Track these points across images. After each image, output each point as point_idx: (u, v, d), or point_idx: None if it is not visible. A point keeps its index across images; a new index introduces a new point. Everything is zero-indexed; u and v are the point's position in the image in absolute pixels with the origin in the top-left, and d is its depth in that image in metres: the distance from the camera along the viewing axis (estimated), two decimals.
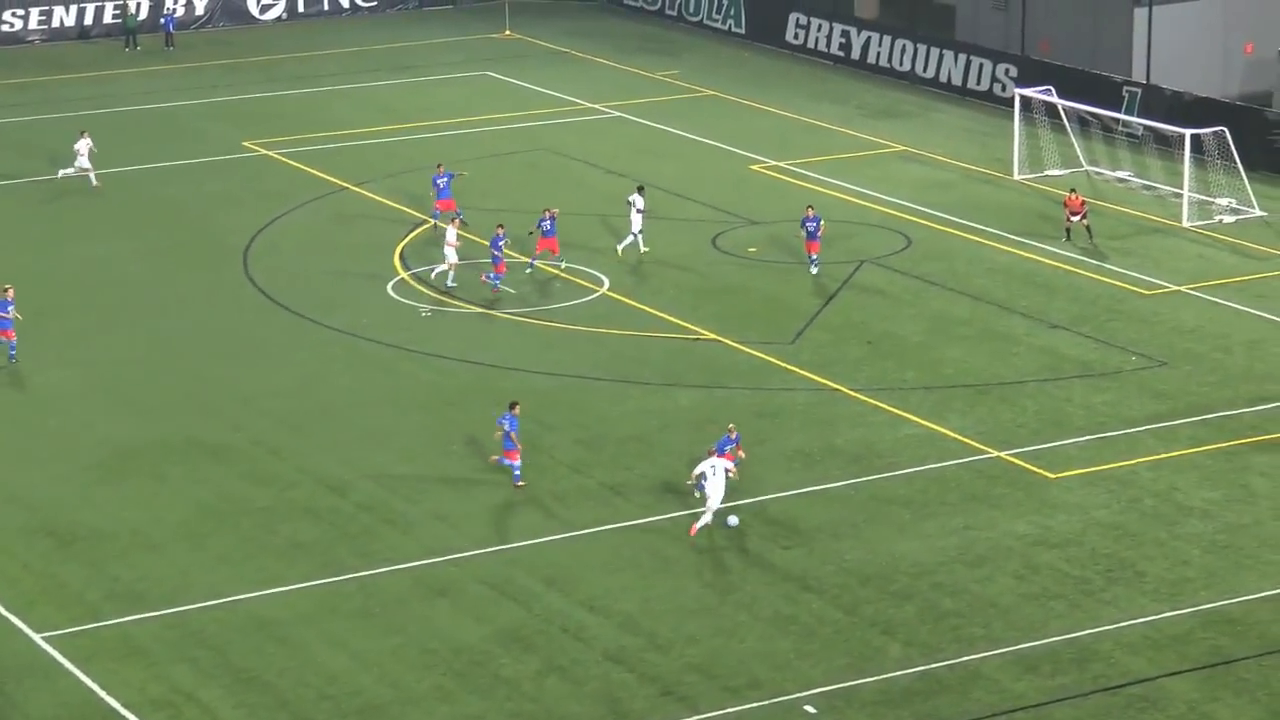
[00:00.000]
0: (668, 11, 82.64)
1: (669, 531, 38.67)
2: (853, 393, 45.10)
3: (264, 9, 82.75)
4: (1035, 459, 41.67)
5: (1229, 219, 56.98)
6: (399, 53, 77.53)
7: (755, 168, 62.70)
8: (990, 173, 61.68)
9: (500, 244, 50.94)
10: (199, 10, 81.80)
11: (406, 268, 53.44)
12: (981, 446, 42.22)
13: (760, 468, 41.26)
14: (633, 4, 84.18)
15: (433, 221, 56.22)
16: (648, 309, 50.43)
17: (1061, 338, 48.22)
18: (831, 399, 44.76)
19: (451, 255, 51.58)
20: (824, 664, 33.92)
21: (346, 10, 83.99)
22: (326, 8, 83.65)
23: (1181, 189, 57.55)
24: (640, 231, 53.87)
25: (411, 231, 56.45)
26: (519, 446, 40.31)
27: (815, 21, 76.63)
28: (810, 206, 53.32)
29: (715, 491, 38.15)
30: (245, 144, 65.31)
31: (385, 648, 34.60)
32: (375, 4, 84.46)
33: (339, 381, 46.00)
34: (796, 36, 77.27)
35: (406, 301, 50.98)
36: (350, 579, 36.92)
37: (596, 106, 69.65)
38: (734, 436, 39.67)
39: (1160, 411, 43.97)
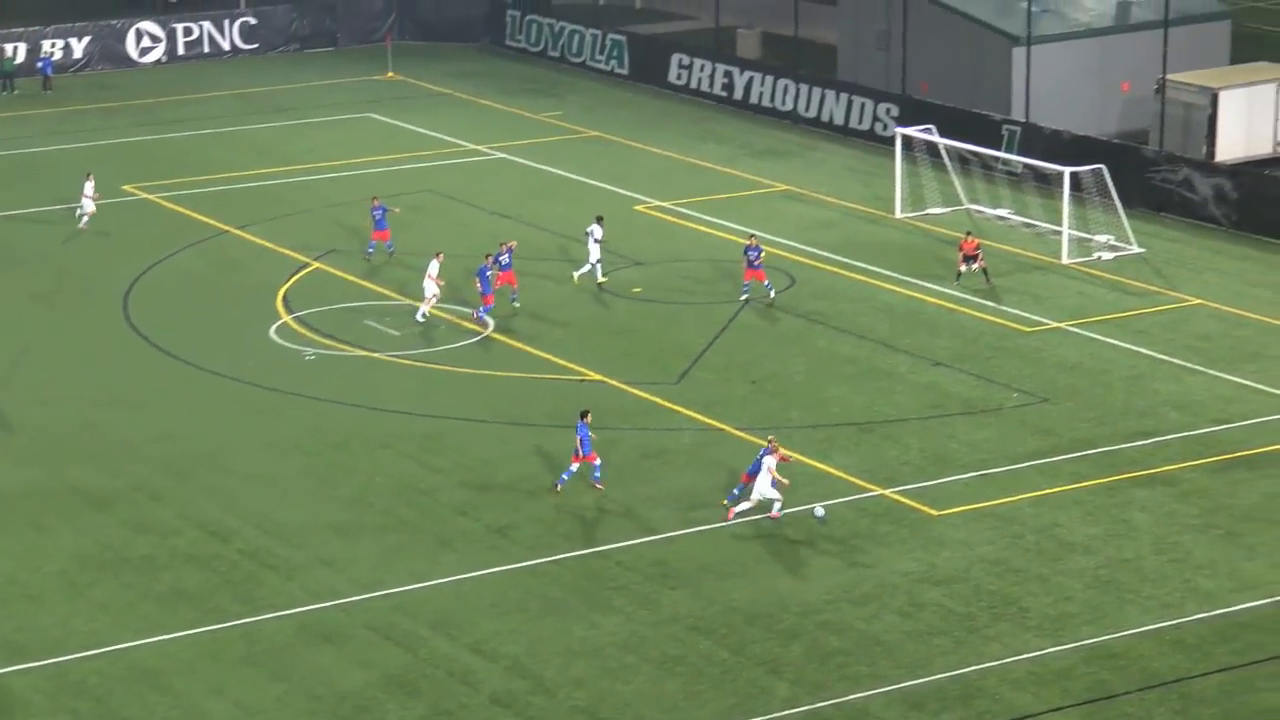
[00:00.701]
0: (550, 53, 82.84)
1: (555, 574, 38.61)
2: (738, 432, 45.24)
3: (143, 52, 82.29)
4: (920, 496, 41.92)
5: (1108, 256, 57.62)
6: (281, 95, 77.22)
7: (639, 208, 62.86)
8: (873, 211, 62.11)
9: (487, 274, 51.32)
10: (77, 54, 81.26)
11: (290, 311, 53.16)
12: (866, 485, 42.43)
13: (646, 508, 41.28)
14: (516, 45, 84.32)
15: (368, 253, 57.13)
16: (533, 350, 50.40)
17: (945, 375, 48.57)
18: (717, 439, 44.86)
19: (431, 288, 51.52)
20: (712, 704, 33.91)
21: (227, 53, 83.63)
22: (207, 50, 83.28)
23: (1061, 226, 58.16)
24: (599, 261, 54.72)
25: (294, 274, 56.19)
26: (593, 452, 41.46)
27: (698, 62, 77.04)
28: (752, 235, 54.20)
29: (760, 486, 39.86)
30: (126, 188, 64.83)
31: (270, 695, 34.31)
32: (256, 46, 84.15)
33: (221, 426, 45.66)
34: (679, 77, 77.62)
35: (290, 345, 50.70)
36: (234, 626, 36.60)
37: (480, 148, 69.61)
38: (771, 447, 40.41)
39: (1042, 448, 44.34)
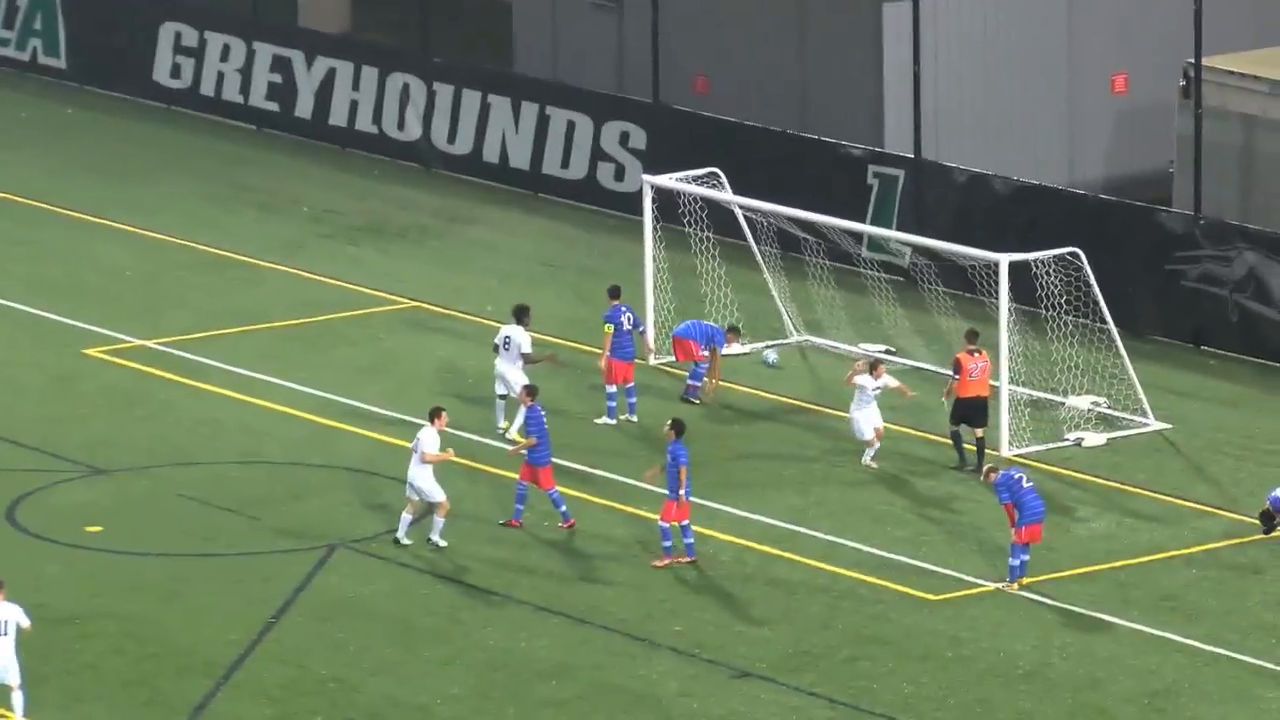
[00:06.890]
0: None
1: None
2: None
3: None
4: None
5: (1094, 440, 58.08)
6: None
7: (94, 352, 62.83)
8: (600, 351, 62.27)
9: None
10: None
11: None
12: None
13: None
14: None
15: None
16: None
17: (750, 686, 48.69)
18: None
19: None
20: None
21: None
22: None
23: (998, 380, 58.51)
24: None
25: None
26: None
27: (216, 40, 78.06)
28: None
29: None
30: None
31: None
32: None
33: None
34: (177, 72, 78.88)
35: None
36: None
37: None
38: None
39: None
